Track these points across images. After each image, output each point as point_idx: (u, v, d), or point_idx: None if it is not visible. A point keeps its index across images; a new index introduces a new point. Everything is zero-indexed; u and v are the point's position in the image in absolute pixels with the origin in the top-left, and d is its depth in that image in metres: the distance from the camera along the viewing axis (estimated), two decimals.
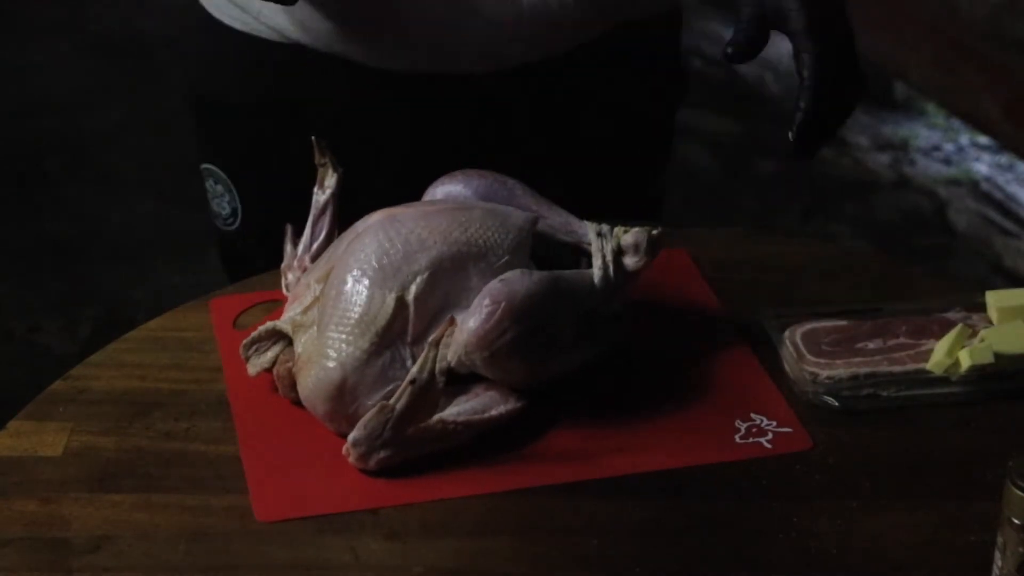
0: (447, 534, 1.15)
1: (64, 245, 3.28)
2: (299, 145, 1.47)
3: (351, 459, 1.19)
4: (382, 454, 1.19)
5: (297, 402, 1.26)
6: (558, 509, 1.17)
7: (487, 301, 1.21)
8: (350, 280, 1.24)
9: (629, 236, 1.31)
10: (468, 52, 1.49)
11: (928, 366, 1.31)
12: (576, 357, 1.28)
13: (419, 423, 1.19)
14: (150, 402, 1.28)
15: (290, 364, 1.26)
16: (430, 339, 1.20)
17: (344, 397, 1.21)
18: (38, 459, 1.21)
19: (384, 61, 1.50)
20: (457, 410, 1.22)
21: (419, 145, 1.57)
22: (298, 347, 1.25)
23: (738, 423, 1.26)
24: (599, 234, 1.31)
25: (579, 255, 1.33)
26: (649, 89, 1.65)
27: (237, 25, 1.53)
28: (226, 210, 1.63)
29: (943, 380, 1.30)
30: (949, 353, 1.30)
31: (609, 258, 1.30)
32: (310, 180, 1.39)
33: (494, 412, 1.23)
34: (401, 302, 1.23)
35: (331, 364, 1.22)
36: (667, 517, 1.17)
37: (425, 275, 1.24)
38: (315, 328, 1.25)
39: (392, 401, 1.18)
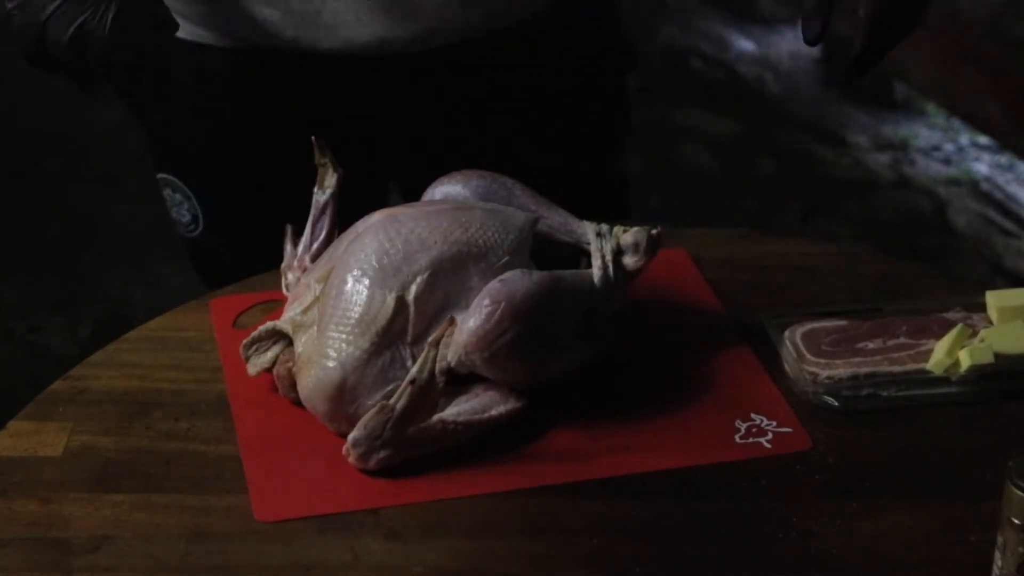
0: (447, 534, 1.15)
1: (64, 245, 3.28)
2: (249, 143, 1.47)
3: (351, 459, 1.19)
4: (382, 454, 1.19)
5: (297, 402, 1.26)
6: (558, 509, 1.17)
7: (487, 301, 1.21)
8: (350, 280, 1.24)
9: (628, 235, 1.31)
10: (403, 30, 1.50)
11: (928, 366, 1.30)
12: (576, 357, 1.28)
13: (419, 423, 1.19)
14: (150, 402, 1.28)
15: (290, 364, 1.26)
16: (430, 339, 1.20)
17: (344, 397, 1.21)
18: (38, 459, 1.22)
19: (319, 43, 1.51)
20: (457, 410, 1.22)
21: (370, 126, 1.58)
22: (298, 347, 1.25)
23: (738, 423, 1.26)
24: (598, 234, 1.31)
25: (578, 255, 1.33)
26: (594, 61, 1.66)
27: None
28: (187, 217, 1.64)
29: (943, 380, 1.30)
30: (949, 353, 1.30)
31: (608, 257, 1.30)
32: (264, 176, 1.39)
33: (494, 412, 1.23)
34: (401, 302, 1.23)
35: (331, 364, 1.22)
36: (667, 517, 1.17)
37: (425, 275, 1.24)
38: (315, 328, 1.25)
39: (392, 401, 1.18)
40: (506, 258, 1.26)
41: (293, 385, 1.25)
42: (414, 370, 1.19)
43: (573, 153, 1.65)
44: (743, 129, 3.83)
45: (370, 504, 1.17)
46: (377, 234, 1.26)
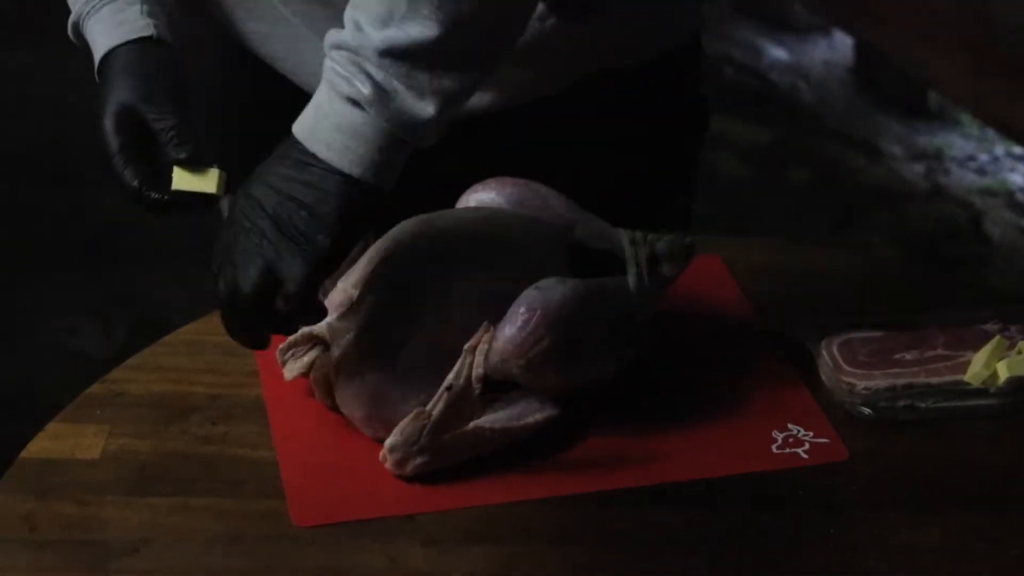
0: (483, 540, 1.15)
1: (101, 248, 3.29)
2: None
3: (387, 464, 1.19)
4: (418, 460, 1.19)
5: (334, 407, 1.26)
6: (594, 517, 1.17)
7: (522, 309, 1.21)
8: None
9: (663, 243, 1.31)
10: (479, 100, 1.40)
11: (965, 378, 1.30)
12: (611, 364, 1.27)
13: (455, 430, 1.19)
14: (187, 406, 1.29)
15: (326, 370, 1.26)
16: (467, 346, 1.20)
17: (381, 402, 1.22)
18: (76, 462, 1.22)
19: None
20: (493, 417, 1.22)
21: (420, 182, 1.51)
22: (335, 352, 1.26)
23: (775, 433, 1.26)
24: (632, 241, 1.31)
25: (613, 262, 1.33)
26: (662, 127, 1.57)
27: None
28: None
29: (980, 392, 1.30)
30: (987, 365, 1.29)
31: (643, 265, 1.29)
32: None
33: (529, 420, 1.23)
34: None
35: (384, 366, 1.21)
36: (702, 526, 1.17)
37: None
38: (352, 333, 1.25)
39: (428, 407, 1.18)
40: (543, 265, 1.26)
41: (330, 390, 1.25)
42: (450, 377, 1.19)
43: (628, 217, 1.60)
44: (776, 137, 3.83)
45: (406, 510, 1.17)
46: None
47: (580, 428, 1.26)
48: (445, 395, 1.19)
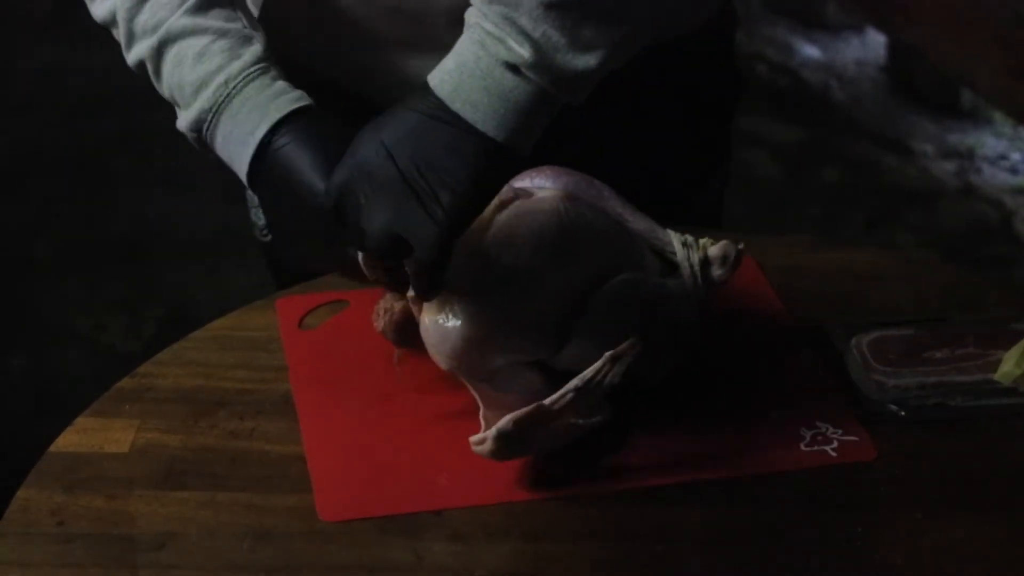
0: (510, 537, 1.15)
1: (129, 244, 3.30)
2: None
3: (484, 447, 1.15)
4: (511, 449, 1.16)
5: (399, 341, 1.25)
6: (622, 515, 1.17)
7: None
8: None
9: (716, 248, 1.29)
10: None
11: (996, 376, 1.29)
12: (664, 366, 1.26)
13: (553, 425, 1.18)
14: (215, 401, 1.29)
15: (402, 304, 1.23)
16: (609, 353, 1.18)
17: (482, 346, 1.19)
18: (105, 456, 1.22)
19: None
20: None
21: None
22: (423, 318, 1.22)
23: (803, 431, 1.25)
24: (685, 244, 1.30)
25: (662, 262, 1.31)
26: (701, 96, 1.57)
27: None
28: (262, 220, 1.60)
29: (1011, 391, 1.29)
30: (1017, 364, 1.29)
31: (696, 269, 1.28)
32: None
33: (594, 419, 1.21)
34: None
35: (491, 314, 1.19)
36: (731, 524, 1.16)
37: None
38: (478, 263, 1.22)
39: (548, 402, 1.16)
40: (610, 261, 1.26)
41: (399, 325, 1.24)
42: (578, 380, 1.16)
43: (665, 185, 1.54)
44: (807, 136, 3.82)
45: (433, 506, 1.17)
46: None
47: (609, 427, 1.25)
48: (572, 395, 1.16)
